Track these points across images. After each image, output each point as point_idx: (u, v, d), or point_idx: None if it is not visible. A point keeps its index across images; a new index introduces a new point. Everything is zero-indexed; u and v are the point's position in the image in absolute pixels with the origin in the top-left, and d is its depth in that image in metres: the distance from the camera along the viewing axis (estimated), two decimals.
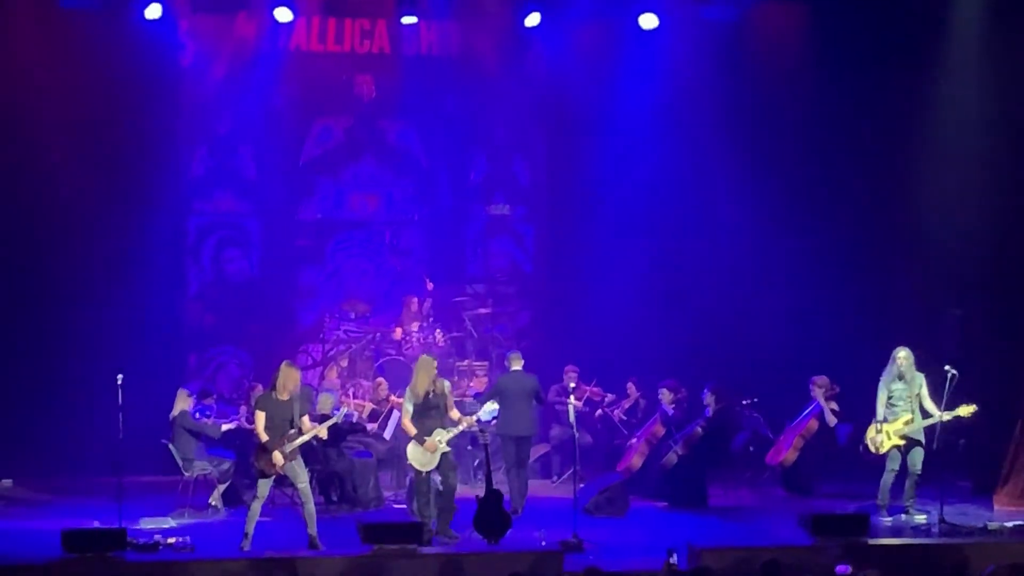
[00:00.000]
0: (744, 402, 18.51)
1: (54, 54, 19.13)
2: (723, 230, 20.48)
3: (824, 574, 12.72)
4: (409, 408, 15.28)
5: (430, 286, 21.21)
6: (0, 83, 18.95)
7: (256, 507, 14.55)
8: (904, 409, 15.95)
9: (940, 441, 15.84)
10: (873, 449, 16.08)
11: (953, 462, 17.82)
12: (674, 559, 12.43)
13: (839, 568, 13.00)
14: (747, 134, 20.29)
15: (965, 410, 15.74)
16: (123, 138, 19.55)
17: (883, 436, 15.99)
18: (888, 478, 16.05)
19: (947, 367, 15.61)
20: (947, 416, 15.75)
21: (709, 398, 17.83)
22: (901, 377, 15.95)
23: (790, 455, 17.90)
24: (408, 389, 15.39)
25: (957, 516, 15.82)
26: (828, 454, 17.48)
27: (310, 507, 14.63)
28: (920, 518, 15.75)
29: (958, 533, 15.19)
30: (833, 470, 17.42)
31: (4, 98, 18.95)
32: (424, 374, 15.34)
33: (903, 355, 15.92)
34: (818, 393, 17.83)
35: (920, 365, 16.26)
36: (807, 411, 17.93)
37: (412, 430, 15.21)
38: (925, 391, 15.98)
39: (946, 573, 12.50)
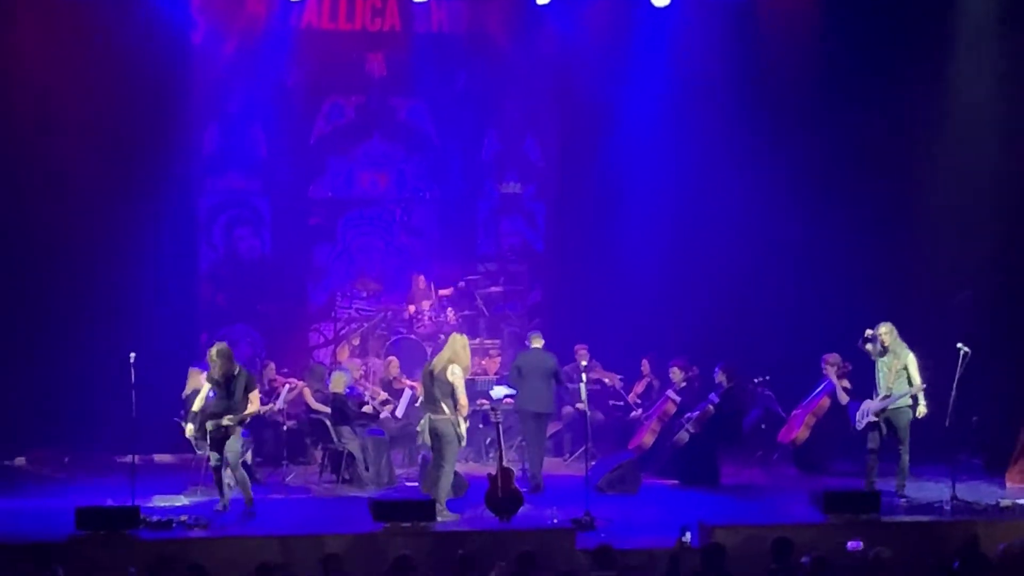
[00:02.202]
0: (756, 380, 18.50)
1: (65, 32, 19.09)
2: (735, 208, 20.41)
3: (836, 551, 12.75)
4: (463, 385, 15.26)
5: (448, 292, 21.21)
6: (11, 60, 18.92)
7: (217, 475, 15.00)
8: (884, 386, 15.76)
9: (952, 419, 15.79)
10: (858, 427, 16.07)
11: (965, 440, 17.80)
12: (687, 537, 12.44)
13: (850, 544, 13.05)
14: (758, 113, 20.21)
15: (920, 406, 15.73)
16: (134, 116, 19.50)
17: (863, 412, 15.93)
18: (870, 460, 15.89)
19: (959, 344, 15.55)
20: (903, 394, 15.65)
21: (720, 376, 17.82)
22: (883, 353, 15.78)
23: (802, 433, 17.90)
24: (460, 367, 15.21)
25: (969, 494, 15.80)
26: (840, 432, 17.42)
27: (235, 474, 15.04)
28: (902, 501, 15.57)
29: (970, 510, 15.17)
30: (845, 448, 17.39)
31: (15, 76, 18.92)
32: (466, 351, 15.36)
33: (884, 330, 15.72)
34: (830, 371, 17.81)
35: (932, 343, 16.23)
36: (819, 389, 17.91)
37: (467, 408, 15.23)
38: (914, 368, 15.79)
39: (958, 550, 12.49)
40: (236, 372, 14.92)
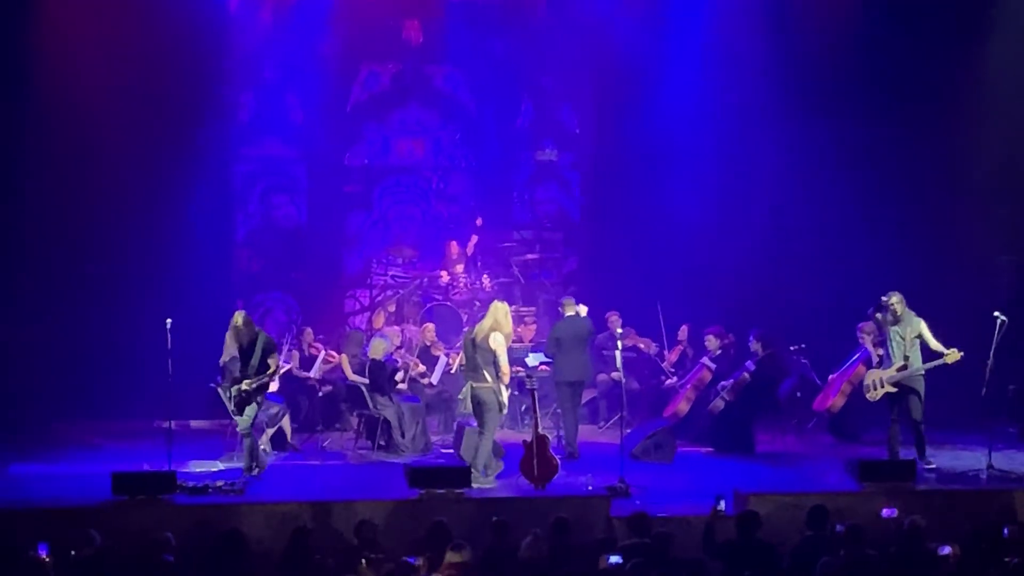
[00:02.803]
0: (792, 348, 18.44)
1: (99, 1, 19.13)
2: (771, 176, 20.33)
3: (871, 519, 12.73)
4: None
5: (479, 222, 21.24)
6: (47, 33, 18.96)
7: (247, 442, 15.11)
8: (898, 356, 15.61)
9: (989, 388, 15.71)
10: (868, 397, 15.93)
11: (1002, 408, 17.74)
12: (722, 506, 12.43)
13: (885, 512, 13.03)
14: (796, 79, 20.09)
15: (952, 356, 15.44)
16: (170, 83, 19.50)
17: (875, 383, 15.79)
18: (894, 429, 15.76)
19: (996, 313, 15.45)
20: (931, 364, 15.49)
21: (755, 345, 17.77)
22: (896, 322, 15.64)
23: (837, 401, 17.84)
24: (501, 335, 15.17)
25: (1005, 462, 15.74)
26: (876, 401, 17.36)
27: (246, 440, 15.10)
28: (929, 467, 15.43)
29: (1006, 479, 15.13)
30: (880, 417, 17.32)
31: (52, 47, 18.95)
32: (508, 319, 15.36)
33: (896, 299, 15.54)
34: (866, 340, 17.72)
35: (972, 312, 16.14)
36: (854, 358, 17.84)
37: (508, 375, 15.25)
38: (928, 334, 15.61)
39: (993, 519, 12.46)
40: (256, 337, 14.97)
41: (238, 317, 15.02)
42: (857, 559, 11.28)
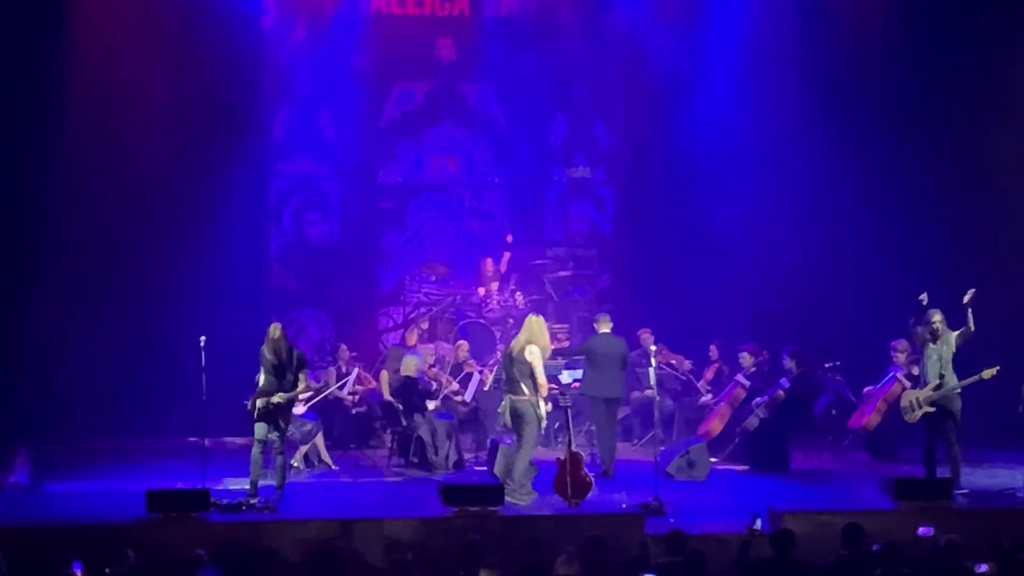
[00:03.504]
0: (827, 365, 18.37)
1: (136, 18, 19.22)
2: (804, 192, 20.26)
3: (907, 538, 12.64)
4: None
5: (510, 239, 21.25)
6: (83, 47, 19.08)
7: (254, 451, 14.86)
8: (934, 375, 15.33)
9: None
10: (905, 418, 15.66)
11: None
12: (757, 524, 12.36)
13: (921, 530, 12.94)
14: (829, 97, 20.07)
15: (988, 372, 15.24)
16: (205, 100, 19.61)
17: (912, 403, 15.49)
18: (931, 448, 15.43)
19: None
20: (967, 381, 15.27)
21: (789, 362, 17.71)
22: (933, 340, 15.34)
23: (873, 419, 17.76)
24: (537, 348, 15.15)
25: None
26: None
27: (279, 460, 14.91)
28: (962, 495, 14.96)
29: None
30: (916, 435, 17.21)
31: (87, 62, 19.07)
32: (543, 331, 15.36)
33: (938, 318, 15.25)
34: (899, 357, 17.66)
35: (1010, 328, 16.03)
36: (889, 375, 17.77)
37: (546, 388, 15.26)
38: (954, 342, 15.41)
39: None
40: (291, 351, 14.97)
41: (276, 329, 14.97)
42: None
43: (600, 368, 16.71)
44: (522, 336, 15.27)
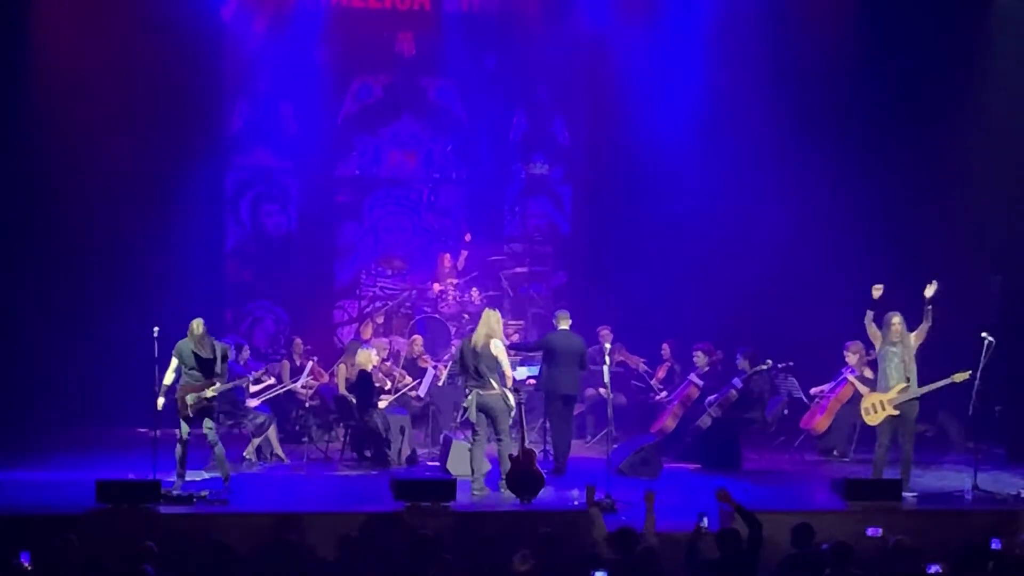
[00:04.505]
0: (779, 366, 18.43)
1: (96, 9, 19.14)
2: (761, 195, 20.36)
3: (857, 538, 12.70)
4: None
5: (468, 238, 21.24)
6: (41, 38, 18.97)
7: (179, 449, 14.91)
8: (897, 378, 15.40)
9: (975, 408, 15.70)
10: (867, 421, 15.69)
11: (988, 429, 17.72)
12: (705, 522, 12.41)
13: (870, 531, 13.02)
14: (789, 98, 20.16)
15: (960, 376, 15.36)
16: (163, 92, 19.55)
17: (875, 406, 15.51)
18: (881, 454, 15.47)
19: (984, 334, 15.41)
20: (938, 384, 15.39)
21: (743, 362, 17.80)
22: (895, 343, 15.42)
23: (824, 420, 17.88)
24: (501, 343, 15.42)
25: (991, 483, 15.72)
26: (862, 420, 17.36)
27: (215, 449, 15.03)
28: (911, 496, 15.01)
29: (992, 500, 15.10)
30: (867, 436, 17.32)
31: (45, 53, 18.97)
32: (500, 325, 15.60)
33: (896, 320, 15.34)
34: (851, 358, 17.76)
35: (961, 332, 16.13)
36: (841, 376, 17.86)
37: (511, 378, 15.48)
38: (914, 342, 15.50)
39: (978, 540, 12.44)
40: (213, 346, 14.97)
41: (199, 325, 14.89)
42: None
43: (558, 365, 16.70)
44: (481, 330, 15.35)
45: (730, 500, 12.12)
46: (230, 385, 15.29)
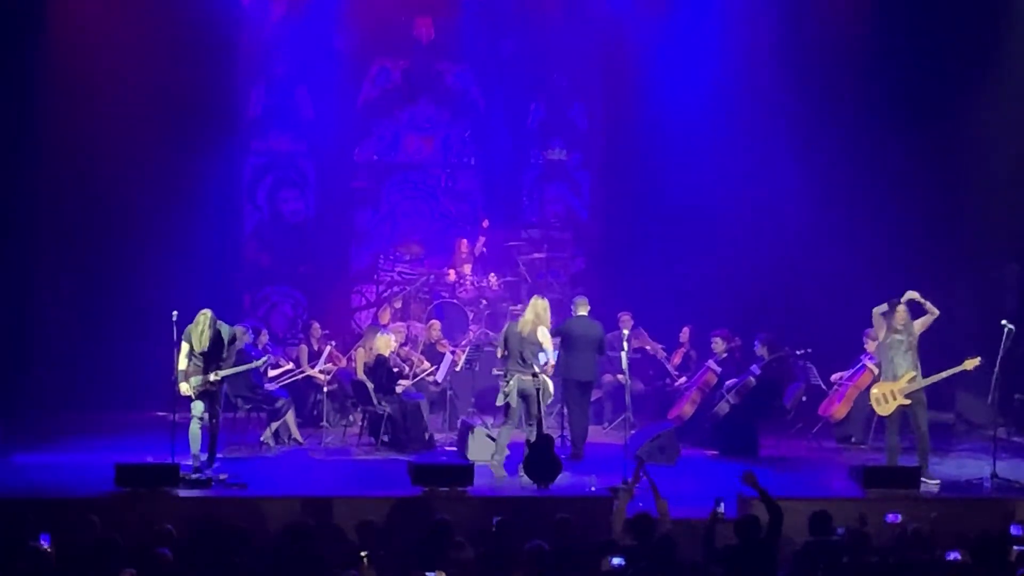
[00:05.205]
0: (798, 352, 18.39)
1: None
2: (780, 181, 20.28)
3: (874, 526, 12.69)
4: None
5: (486, 224, 21.22)
6: (58, 25, 18.97)
7: (193, 427, 15.05)
8: (906, 366, 15.32)
9: (995, 397, 15.65)
10: (878, 411, 15.59)
11: (1007, 418, 17.69)
12: (721, 508, 12.40)
13: (889, 517, 13.00)
14: (806, 87, 20.10)
15: (970, 363, 15.29)
16: (181, 78, 19.56)
17: (886, 396, 15.37)
18: (893, 442, 15.39)
19: (1004, 322, 15.36)
20: (949, 372, 15.35)
21: (761, 349, 17.76)
22: (898, 331, 15.32)
23: (843, 407, 17.83)
24: (547, 330, 15.68)
25: (1010, 471, 15.67)
26: None
27: (212, 434, 15.18)
28: (933, 483, 15.07)
29: (1010, 488, 15.04)
30: (885, 423, 17.30)
31: (62, 40, 18.97)
32: (547, 313, 15.81)
33: (901, 308, 15.23)
34: (871, 345, 17.70)
35: (980, 320, 16.07)
36: (860, 364, 17.83)
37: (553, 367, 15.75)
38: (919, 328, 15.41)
39: (997, 528, 12.42)
40: (218, 333, 15.03)
41: (202, 319, 14.94)
42: (860, 565, 11.24)
43: (576, 351, 16.70)
44: (528, 316, 15.70)
45: (756, 485, 12.09)
46: (235, 370, 15.28)
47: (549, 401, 15.57)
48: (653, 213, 20.93)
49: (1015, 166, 19.35)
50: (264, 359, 16.84)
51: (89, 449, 16.29)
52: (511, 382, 15.46)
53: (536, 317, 15.59)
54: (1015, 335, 15.31)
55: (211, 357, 14.94)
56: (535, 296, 16.13)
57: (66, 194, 19.29)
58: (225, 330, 15.12)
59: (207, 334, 14.86)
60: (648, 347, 19.40)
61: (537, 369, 15.36)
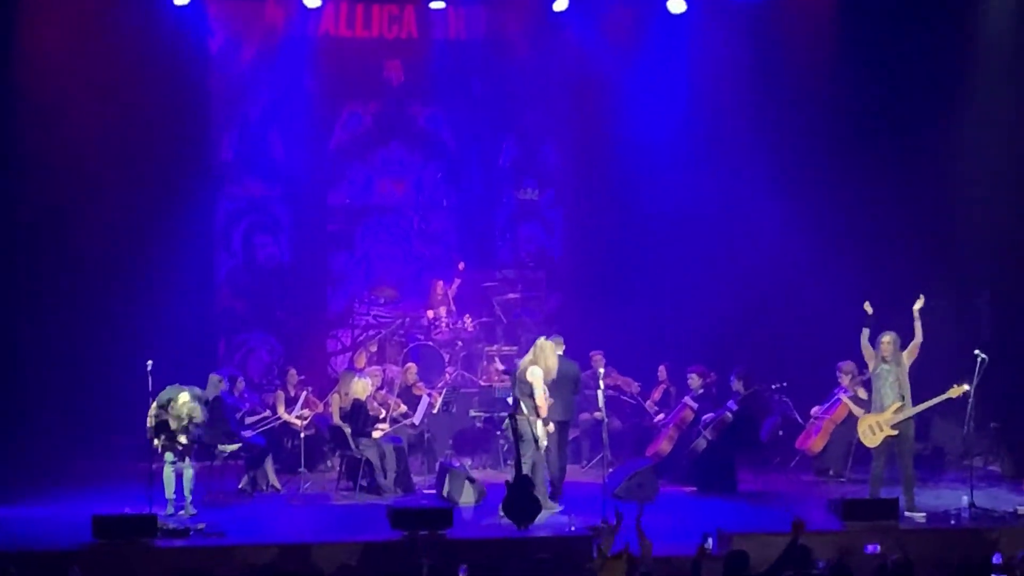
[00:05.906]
0: (773, 387, 18.43)
1: (83, 39, 19.12)
2: (752, 216, 20.37)
3: (854, 558, 12.69)
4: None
5: (461, 267, 21.22)
6: (29, 69, 18.95)
7: (166, 471, 15.23)
8: (893, 397, 15.35)
9: (970, 426, 15.70)
10: (865, 443, 15.61)
11: (984, 446, 17.74)
12: (708, 544, 12.39)
13: (868, 548, 13.02)
14: (775, 120, 20.20)
15: (956, 391, 15.36)
16: (152, 123, 19.57)
17: (872, 427, 15.43)
18: (877, 473, 15.46)
19: (976, 351, 15.43)
20: (934, 401, 15.41)
21: (737, 384, 17.79)
22: (886, 361, 15.36)
23: (819, 440, 17.88)
24: (540, 369, 15.54)
25: (988, 500, 15.71)
26: (857, 440, 17.36)
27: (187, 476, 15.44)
28: (919, 516, 15.14)
29: (988, 518, 15.08)
30: (863, 455, 17.33)
31: (33, 84, 18.95)
32: (549, 354, 15.70)
33: (888, 339, 15.31)
34: (845, 380, 17.77)
35: (951, 348, 16.12)
36: (835, 397, 17.88)
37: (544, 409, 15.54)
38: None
39: (976, 557, 12.44)
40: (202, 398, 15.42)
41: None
42: None
43: (552, 390, 16.66)
44: (528, 356, 15.74)
45: (802, 532, 12.04)
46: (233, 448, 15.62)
47: (542, 444, 15.48)
48: (626, 250, 20.98)
49: (984, 192, 19.45)
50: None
51: (65, 501, 16.19)
52: (507, 422, 15.57)
53: (534, 357, 15.63)
54: (987, 364, 15.37)
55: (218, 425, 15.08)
56: (541, 337, 16.13)
57: (36, 238, 19.20)
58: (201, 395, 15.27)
59: (199, 410, 15.00)
60: (621, 384, 19.40)
61: (526, 411, 15.32)
